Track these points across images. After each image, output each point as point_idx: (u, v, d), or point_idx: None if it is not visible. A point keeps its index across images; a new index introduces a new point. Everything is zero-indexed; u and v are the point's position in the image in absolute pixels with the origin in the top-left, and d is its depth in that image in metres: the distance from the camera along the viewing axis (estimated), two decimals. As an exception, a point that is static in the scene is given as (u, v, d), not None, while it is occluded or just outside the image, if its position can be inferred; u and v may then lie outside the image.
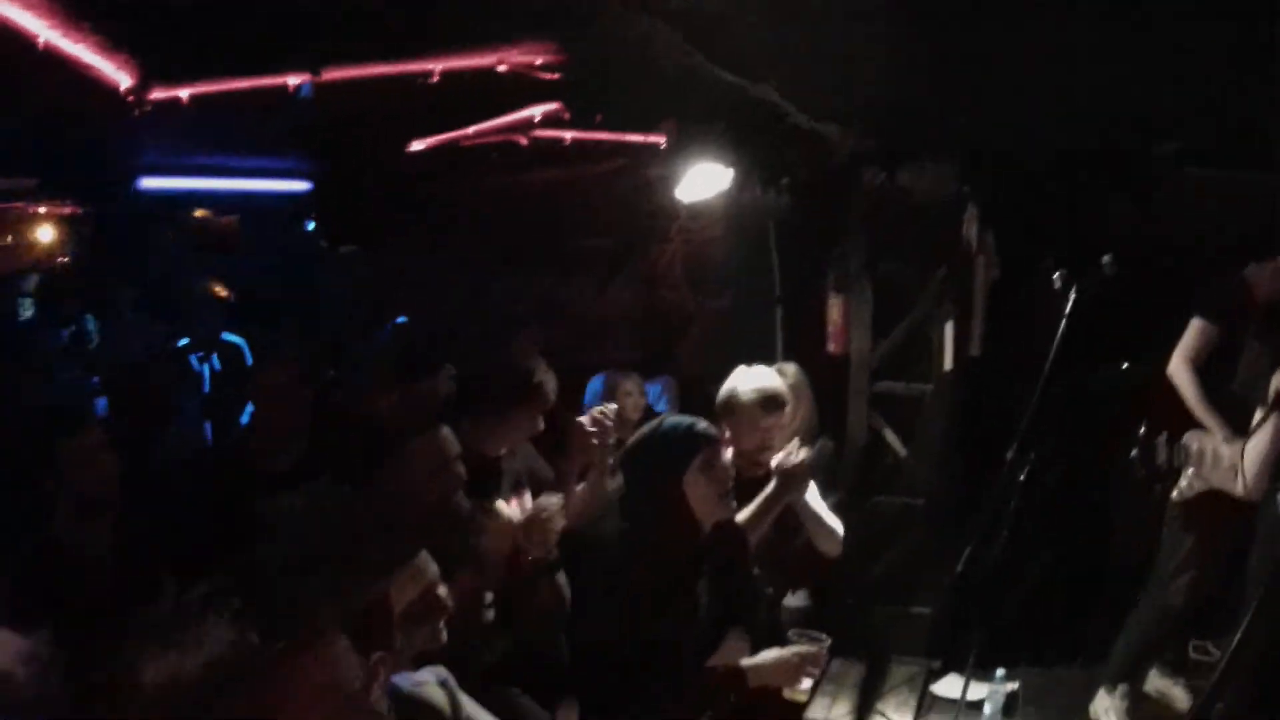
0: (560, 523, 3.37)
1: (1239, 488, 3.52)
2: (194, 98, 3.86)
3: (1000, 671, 3.75)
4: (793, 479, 3.58)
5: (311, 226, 8.36)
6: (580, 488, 3.76)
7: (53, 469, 2.94)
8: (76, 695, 1.75)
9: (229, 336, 7.10)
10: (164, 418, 5.85)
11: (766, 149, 4.58)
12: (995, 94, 3.56)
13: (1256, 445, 3.45)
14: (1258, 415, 3.46)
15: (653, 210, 6.16)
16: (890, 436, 4.96)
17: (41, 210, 7.68)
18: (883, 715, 3.87)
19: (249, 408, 4.50)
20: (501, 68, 3.55)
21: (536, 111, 4.77)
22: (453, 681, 2.44)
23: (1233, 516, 3.64)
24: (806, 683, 3.00)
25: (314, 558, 2.36)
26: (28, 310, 9.61)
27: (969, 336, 4.62)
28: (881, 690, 4.02)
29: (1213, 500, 3.69)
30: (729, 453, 3.17)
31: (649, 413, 4.74)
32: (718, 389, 3.84)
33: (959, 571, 4.17)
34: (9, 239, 8.06)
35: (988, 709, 3.69)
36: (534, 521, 3.35)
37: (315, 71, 3.34)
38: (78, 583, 2.40)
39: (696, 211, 6.21)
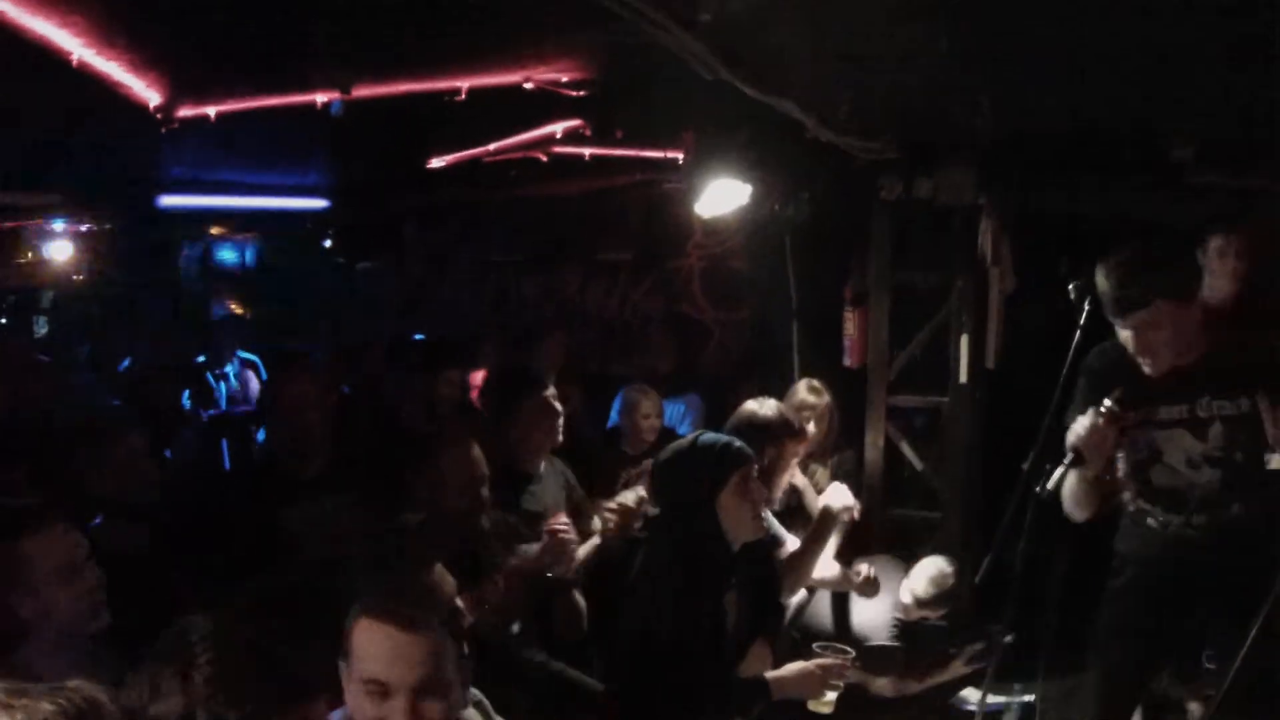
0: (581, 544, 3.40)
1: None
2: (220, 115, 3.90)
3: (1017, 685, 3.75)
4: (836, 521, 3.67)
5: (329, 244, 8.43)
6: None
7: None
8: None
9: (245, 354, 7.18)
10: (171, 426, 5.84)
11: (786, 163, 4.60)
12: (1014, 102, 3.58)
13: None
14: None
15: (671, 224, 6.20)
16: (907, 449, 4.96)
17: (59, 227, 7.73)
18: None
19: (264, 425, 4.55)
20: (528, 85, 3.57)
21: (558, 128, 4.80)
22: (487, 703, 2.45)
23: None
24: (831, 694, 3.02)
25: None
26: (43, 328, 9.69)
27: (985, 348, 4.63)
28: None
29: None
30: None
31: (665, 434, 4.70)
32: (737, 403, 3.83)
33: (977, 583, 4.20)
34: (28, 255, 8.11)
35: (1005, 721, 3.69)
36: (555, 541, 3.39)
37: (345, 89, 3.37)
38: (118, 588, 2.43)
39: (714, 226, 6.26)
